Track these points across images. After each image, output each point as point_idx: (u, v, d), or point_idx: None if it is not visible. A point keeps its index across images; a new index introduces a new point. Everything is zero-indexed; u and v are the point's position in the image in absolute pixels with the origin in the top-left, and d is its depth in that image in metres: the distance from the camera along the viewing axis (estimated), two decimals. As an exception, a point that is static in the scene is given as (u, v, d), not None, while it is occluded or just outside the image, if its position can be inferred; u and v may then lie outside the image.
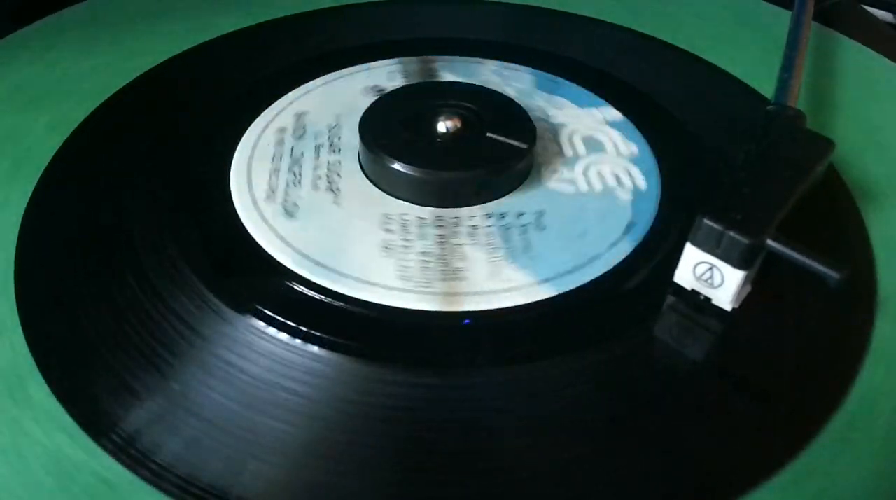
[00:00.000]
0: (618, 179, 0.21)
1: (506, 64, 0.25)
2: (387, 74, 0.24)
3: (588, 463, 0.14)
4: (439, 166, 0.19)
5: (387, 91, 0.23)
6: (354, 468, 0.14)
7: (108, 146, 0.22)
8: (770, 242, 0.15)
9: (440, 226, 0.19)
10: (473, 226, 0.19)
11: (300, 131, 0.21)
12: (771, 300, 0.17)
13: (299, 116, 0.22)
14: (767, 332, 0.17)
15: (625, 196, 0.20)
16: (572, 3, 0.29)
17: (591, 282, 0.18)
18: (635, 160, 0.21)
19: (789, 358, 0.17)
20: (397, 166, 0.19)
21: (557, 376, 0.16)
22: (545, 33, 0.28)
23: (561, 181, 0.20)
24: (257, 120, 0.22)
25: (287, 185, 0.20)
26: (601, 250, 0.18)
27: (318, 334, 0.16)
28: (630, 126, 0.23)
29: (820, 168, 0.18)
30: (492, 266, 0.18)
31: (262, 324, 0.16)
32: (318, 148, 0.21)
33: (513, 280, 0.17)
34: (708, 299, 0.17)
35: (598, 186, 0.20)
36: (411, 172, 0.19)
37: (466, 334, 0.16)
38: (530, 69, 0.25)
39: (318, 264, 0.18)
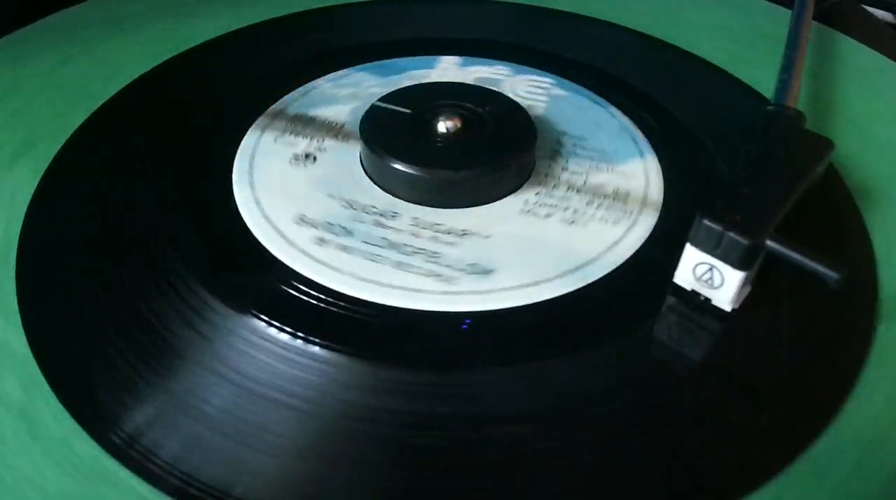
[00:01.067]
0: (539, 87, 0.24)
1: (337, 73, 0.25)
2: (278, 143, 0.21)
3: (587, 463, 0.14)
4: (512, 149, 0.20)
5: (308, 154, 0.21)
6: (354, 468, 0.14)
7: (108, 146, 0.22)
8: (769, 242, 0.15)
9: (555, 186, 0.20)
10: (563, 168, 0.21)
11: (340, 231, 0.19)
12: (771, 301, 0.17)
13: (305, 220, 0.19)
14: (767, 333, 0.17)
15: (560, 92, 0.23)
16: (570, 3, 0.29)
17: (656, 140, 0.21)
18: (518, 72, 0.24)
19: (789, 359, 0.17)
20: (490, 170, 0.19)
21: (557, 377, 0.16)
22: (548, 34, 0.28)
23: (527, 108, 0.22)
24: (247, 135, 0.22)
25: (434, 262, 0.18)
26: (617, 122, 0.22)
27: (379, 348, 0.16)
28: (477, 59, 0.25)
29: (819, 168, 0.18)
30: (619, 174, 0.21)
31: (261, 325, 0.16)
32: (380, 225, 0.19)
33: (636, 170, 0.21)
34: (708, 300, 0.17)
35: (541, 97, 0.23)
36: (503, 167, 0.19)
37: (466, 335, 0.17)
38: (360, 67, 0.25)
39: (570, 272, 0.18)
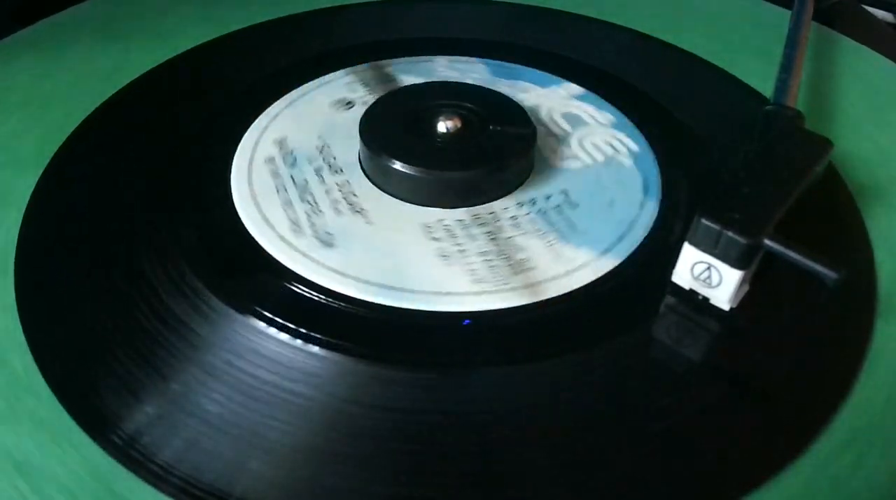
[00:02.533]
0: (612, 146, 0.21)
1: (456, 58, 0.25)
2: (345, 86, 0.24)
3: (587, 463, 0.15)
4: (462, 166, 0.19)
5: (352, 102, 0.23)
6: (355, 468, 0.14)
7: (108, 146, 0.22)
8: (768, 241, 0.15)
9: (482, 224, 0.19)
10: (513, 217, 0.19)
11: (290, 159, 0.21)
12: (770, 300, 0.17)
13: (281, 143, 0.21)
14: (766, 332, 0.17)
15: (627, 160, 0.21)
16: (569, 3, 0.30)
17: (645, 242, 0.19)
18: (615, 126, 0.22)
19: (789, 359, 0.17)
20: (423, 174, 0.19)
21: (556, 377, 0.16)
22: (540, 32, 0.28)
23: (566, 159, 0.21)
24: (239, 149, 0.21)
25: (308, 215, 0.19)
26: (635, 213, 0.19)
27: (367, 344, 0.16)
28: (596, 97, 0.24)
29: (818, 168, 0.18)
30: (551, 250, 0.18)
31: (262, 325, 0.16)
32: (318, 171, 0.20)
33: (576, 259, 0.18)
34: (706, 299, 0.17)
35: (598, 156, 0.21)
36: (438, 177, 0.19)
37: (466, 335, 0.17)
38: (482, 59, 0.25)
39: (382, 286, 0.17)
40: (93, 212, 0.20)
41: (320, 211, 0.19)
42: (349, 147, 0.21)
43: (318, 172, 0.20)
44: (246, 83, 0.24)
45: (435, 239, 0.18)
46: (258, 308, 0.17)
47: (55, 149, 0.22)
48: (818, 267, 0.15)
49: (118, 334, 0.16)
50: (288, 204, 0.19)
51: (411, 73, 0.24)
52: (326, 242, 0.18)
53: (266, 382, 0.15)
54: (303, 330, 0.16)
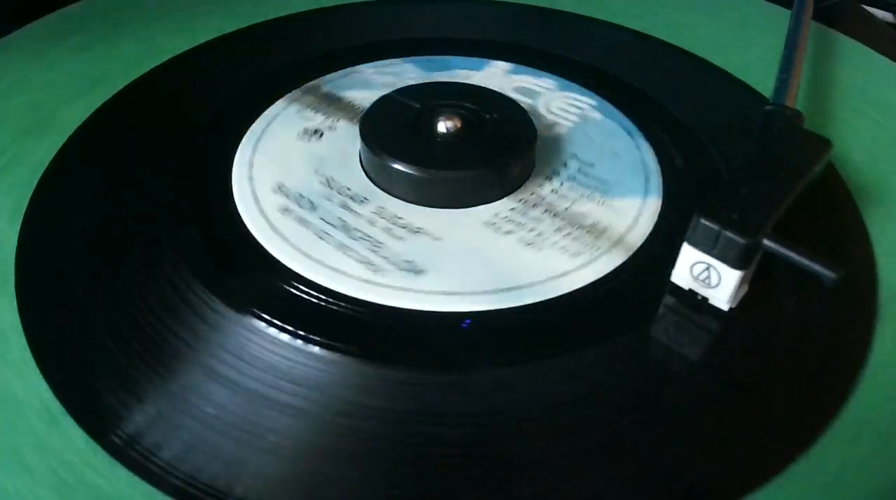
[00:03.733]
0: (575, 106, 0.23)
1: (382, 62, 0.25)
2: (297, 115, 0.23)
3: (585, 463, 0.15)
4: (500, 156, 0.20)
5: (318, 129, 0.22)
6: (355, 468, 0.14)
7: (108, 146, 0.22)
8: (766, 241, 0.15)
9: (534, 205, 0.20)
10: (554, 190, 0.20)
11: (306, 204, 0.19)
12: (769, 300, 0.17)
13: (281, 189, 0.20)
14: (766, 332, 0.17)
15: (596, 115, 0.23)
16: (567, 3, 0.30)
17: (671, 180, 0.20)
18: (563, 88, 0.24)
19: (789, 359, 0.16)
20: (465, 175, 0.19)
21: (556, 377, 0.16)
22: (543, 34, 0.28)
23: (550, 127, 0.22)
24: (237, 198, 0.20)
25: (374, 251, 0.18)
26: (638, 155, 0.21)
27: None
28: (528, 68, 0.25)
29: (817, 168, 0.18)
30: (607, 207, 0.19)
31: (262, 325, 0.16)
32: (344, 206, 0.19)
33: (630, 207, 0.20)
34: (705, 299, 0.17)
35: (572, 117, 0.23)
36: (479, 174, 0.19)
37: (464, 336, 0.17)
38: (408, 59, 0.25)
39: (496, 291, 0.17)
40: (93, 212, 0.20)
41: (380, 243, 0.18)
42: (352, 173, 0.20)
43: (344, 206, 0.19)
44: (246, 83, 0.24)
45: (507, 232, 0.19)
46: (260, 309, 0.17)
47: (55, 149, 0.22)
48: (817, 267, 0.15)
49: (118, 334, 0.16)
50: (343, 248, 0.18)
51: (350, 87, 0.24)
52: (413, 269, 0.18)
53: (266, 381, 0.15)
54: (302, 331, 0.16)
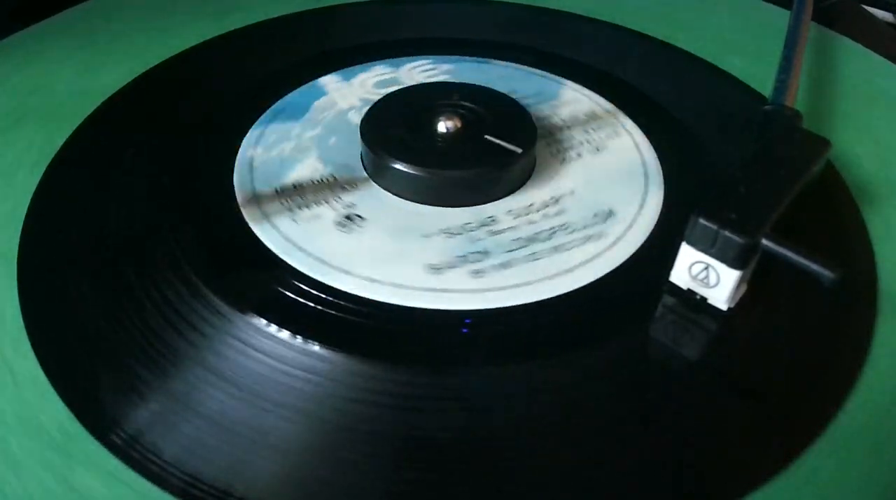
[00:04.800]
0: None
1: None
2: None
3: (584, 463, 0.15)
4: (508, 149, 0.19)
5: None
6: (355, 468, 0.14)
7: (108, 146, 0.22)
8: (765, 241, 0.16)
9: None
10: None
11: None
12: (768, 300, 0.17)
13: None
14: (766, 332, 0.17)
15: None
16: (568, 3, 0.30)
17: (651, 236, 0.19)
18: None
19: (788, 358, 0.16)
20: (493, 174, 0.19)
21: (555, 377, 0.16)
22: (544, 33, 0.28)
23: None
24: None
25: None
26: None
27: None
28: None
29: (816, 168, 0.18)
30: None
31: (263, 323, 0.16)
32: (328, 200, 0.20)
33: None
34: (704, 299, 0.17)
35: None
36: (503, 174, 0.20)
37: (463, 335, 0.17)
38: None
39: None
40: (93, 212, 0.20)
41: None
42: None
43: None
44: (247, 83, 0.24)
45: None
46: (259, 307, 0.17)
47: (55, 149, 0.22)
48: (815, 267, 0.15)
49: (119, 334, 0.17)
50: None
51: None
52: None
53: (266, 381, 0.16)
54: (302, 330, 0.16)
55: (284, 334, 0.16)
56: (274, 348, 0.16)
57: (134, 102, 0.24)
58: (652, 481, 0.14)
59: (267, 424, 0.15)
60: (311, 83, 0.24)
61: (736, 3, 0.31)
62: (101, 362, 0.16)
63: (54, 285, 0.18)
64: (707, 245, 0.16)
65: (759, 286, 0.17)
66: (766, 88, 0.23)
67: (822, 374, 0.16)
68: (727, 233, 0.16)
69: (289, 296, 0.17)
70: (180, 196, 0.20)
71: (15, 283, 0.18)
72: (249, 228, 0.19)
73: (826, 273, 0.15)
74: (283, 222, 0.19)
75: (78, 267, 0.18)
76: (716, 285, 0.16)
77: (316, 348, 0.16)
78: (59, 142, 0.22)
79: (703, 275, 0.17)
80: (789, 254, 0.15)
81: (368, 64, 0.25)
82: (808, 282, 0.15)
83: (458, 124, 0.20)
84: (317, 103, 0.23)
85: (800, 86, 0.22)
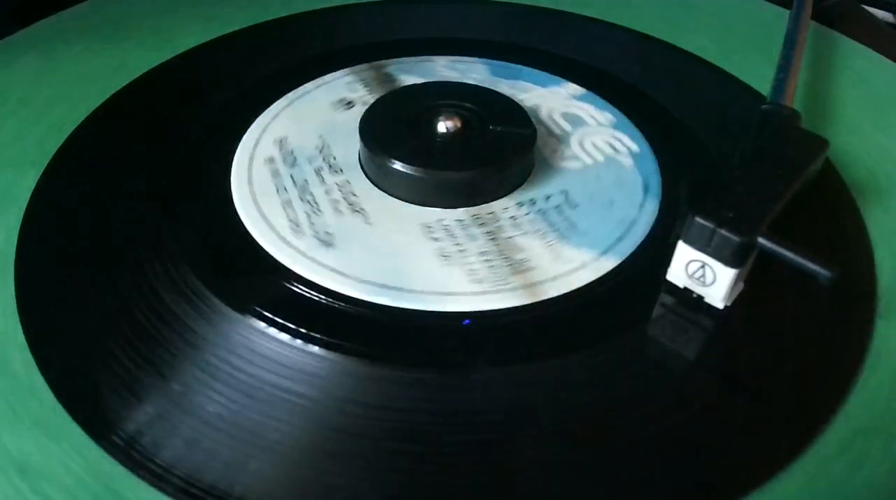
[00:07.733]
0: (612, 146, 0.22)
1: (457, 58, 0.26)
2: (345, 86, 0.24)
3: (584, 464, 0.15)
4: (462, 166, 0.19)
5: (352, 101, 0.23)
6: (355, 468, 0.14)
7: (108, 146, 0.22)
8: (761, 240, 0.16)
9: (482, 224, 0.19)
10: (513, 217, 0.19)
11: (290, 159, 0.21)
12: (765, 299, 0.17)
13: (281, 143, 0.22)
14: (764, 331, 0.17)
15: (627, 160, 0.21)
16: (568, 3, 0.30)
17: (644, 243, 0.19)
18: (616, 126, 0.23)
19: (787, 358, 0.16)
20: (422, 174, 0.19)
21: (554, 377, 0.16)
22: (540, 32, 0.28)
23: (566, 159, 0.21)
24: (239, 149, 0.22)
25: (308, 216, 0.19)
26: (634, 213, 0.19)
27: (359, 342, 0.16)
28: (596, 97, 0.24)
29: (814, 167, 0.18)
30: (551, 250, 0.18)
31: (262, 324, 0.16)
32: (318, 171, 0.20)
33: (575, 259, 0.18)
34: (700, 298, 0.17)
35: (598, 156, 0.21)
36: (437, 177, 0.19)
37: (465, 335, 0.17)
38: (482, 59, 0.25)
39: (382, 286, 0.17)
40: (93, 212, 0.20)
41: (320, 211, 0.19)
42: (349, 147, 0.21)
43: (318, 171, 0.21)
44: (246, 83, 0.24)
45: (435, 239, 0.19)
46: (257, 308, 0.17)
47: (55, 149, 0.22)
48: (812, 266, 0.15)
49: (118, 334, 0.17)
50: (288, 204, 0.19)
51: (411, 73, 0.25)
52: (326, 242, 0.18)
53: (266, 381, 0.16)
54: (302, 330, 0.16)
55: (282, 335, 0.16)
56: (272, 349, 0.16)
57: (134, 101, 0.24)
58: (651, 480, 0.14)
59: (265, 425, 0.15)
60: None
61: (736, 3, 0.31)
62: (99, 362, 0.16)
63: (52, 285, 0.18)
64: (703, 244, 0.16)
65: (757, 285, 0.17)
66: (766, 87, 0.23)
67: (821, 373, 0.16)
68: (723, 231, 0.16)
69: (286, 297, 0.17)
70: (179, 196, 0.20)
71: (12, 283, 0.18)
72: (247, 230, 0.19)
73: (823, 272, 0.15)
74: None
75: (76, 268, 0.18)
76: (712, 283, 0.16)
77: (314, 348, 0.16)
78: (59, 142, 0.22)
79: (699, 273, 0.16)
80: (786, 253, 0.15)
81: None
82: (807, 281, 0.15)
83: (458, 124, 0.20)
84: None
85: (799, 85, 0.22)
